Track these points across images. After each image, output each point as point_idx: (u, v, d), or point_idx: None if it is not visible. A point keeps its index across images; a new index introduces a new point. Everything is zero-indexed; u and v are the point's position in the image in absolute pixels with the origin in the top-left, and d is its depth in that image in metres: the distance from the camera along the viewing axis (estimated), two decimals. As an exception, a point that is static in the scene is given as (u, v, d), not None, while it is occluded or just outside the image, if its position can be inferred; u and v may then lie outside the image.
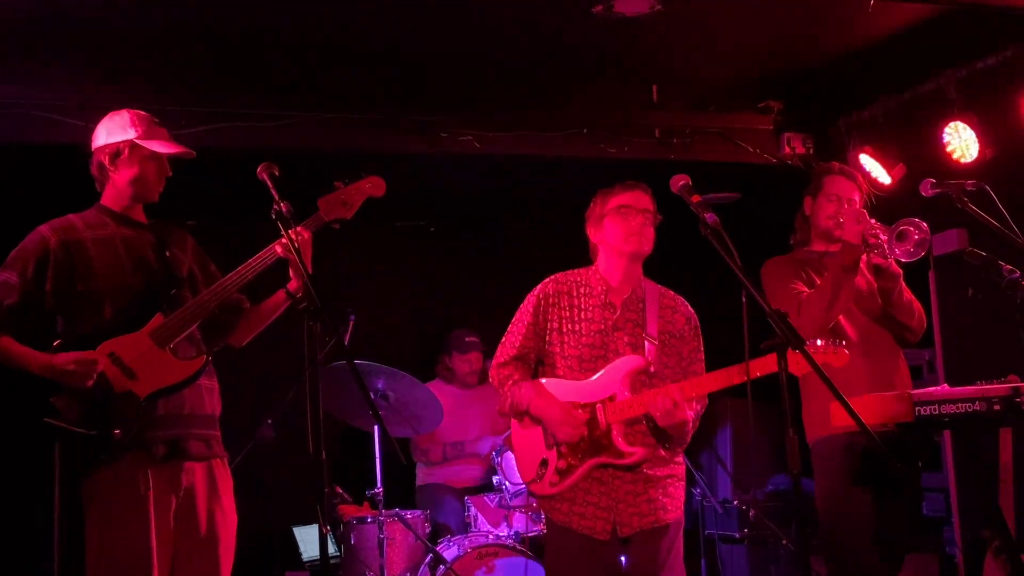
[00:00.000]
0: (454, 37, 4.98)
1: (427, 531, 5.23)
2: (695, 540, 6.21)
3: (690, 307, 3.70)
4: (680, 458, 3.67)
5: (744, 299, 4.14)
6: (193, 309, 3.35)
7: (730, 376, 3.38)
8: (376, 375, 5.29)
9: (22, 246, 3.37)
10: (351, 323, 5.58)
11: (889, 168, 5.56)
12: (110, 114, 3.51)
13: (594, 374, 3.54)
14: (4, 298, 3.27)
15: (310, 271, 3.19)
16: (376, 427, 5.21)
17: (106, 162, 3.44)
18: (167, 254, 3.46)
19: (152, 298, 3.35)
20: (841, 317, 3.83)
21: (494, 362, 3.72)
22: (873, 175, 5.59)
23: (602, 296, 3.61)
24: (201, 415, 3.41)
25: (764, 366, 3.26)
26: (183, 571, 3.30)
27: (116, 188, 3.47)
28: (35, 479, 6.15)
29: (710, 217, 3.01)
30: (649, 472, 3.52)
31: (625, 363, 3.52)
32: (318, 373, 2.91)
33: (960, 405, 3.30)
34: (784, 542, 5.73)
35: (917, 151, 5.45)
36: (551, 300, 3.64)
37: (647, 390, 3.47)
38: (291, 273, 3.47)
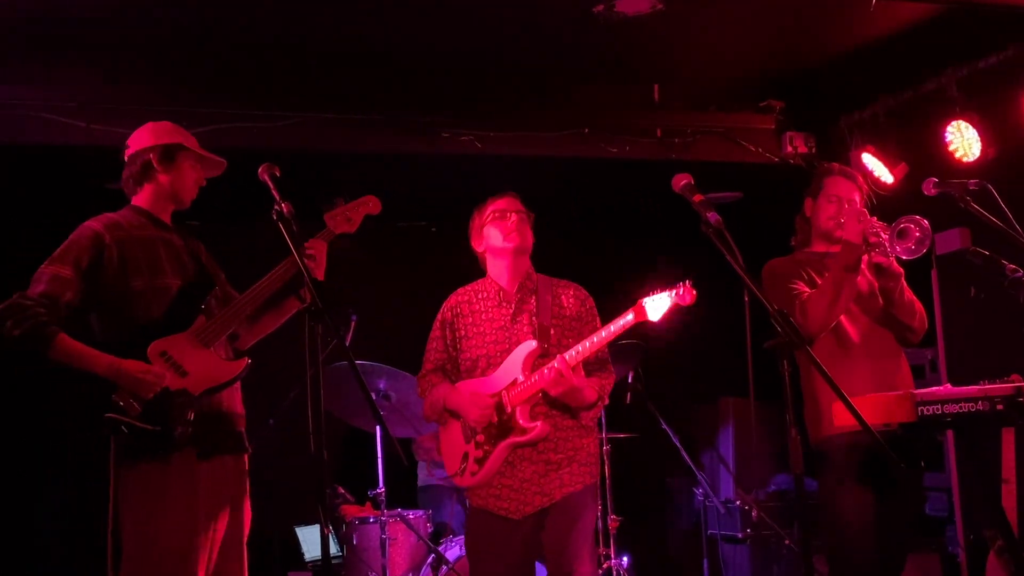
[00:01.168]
0: (455, 37, 4.98)
1: (429, 531, 5.23)
2: (697, 540, 6.21)
3: (584, 291, 4.01)
4: (588, 439, 3.91)
5: (747, 299, 4.17)
6: (232, 313, 3.45)
7: (604, 337, 3.67)
8: (378, 375, 5.29)
9: (74, 240, 3.38)
10: (352, 323, 5.58)
11: (891, 167, 5.56)
12: (151, 123, 3.59)
13: (498, 367, 3.87)
14: (61, 293, 3.27)
15: (322, 279, 3.35)
16: (378, 427, 5.21)
17: (154, 161, 3.49)
18: (198, 259, 3.57)
19: (190, 301, 3.43)
20: (842, 317, 3.82)
21: (418, 375, 4.06)
22: (875, 174, 5.58)
23: (497, 296, 3.95)
24: (233, 413, 3.52)
25: (647, 311, 3.58)
26: (217, 563, 3.40)
27: (159, 189, 3.53)
28: (34, 481, 6.19)
29: (712, 216, 2.99)
30: (552, 455, 3.80)
31: (521, 350, 3.82)
32: (320, 373, 2.91)
33: (963, 405, 3.29)
34: (786, 542, 5.74)
35: (919, 150, 5.45)
36: (455, 312, 3.99)
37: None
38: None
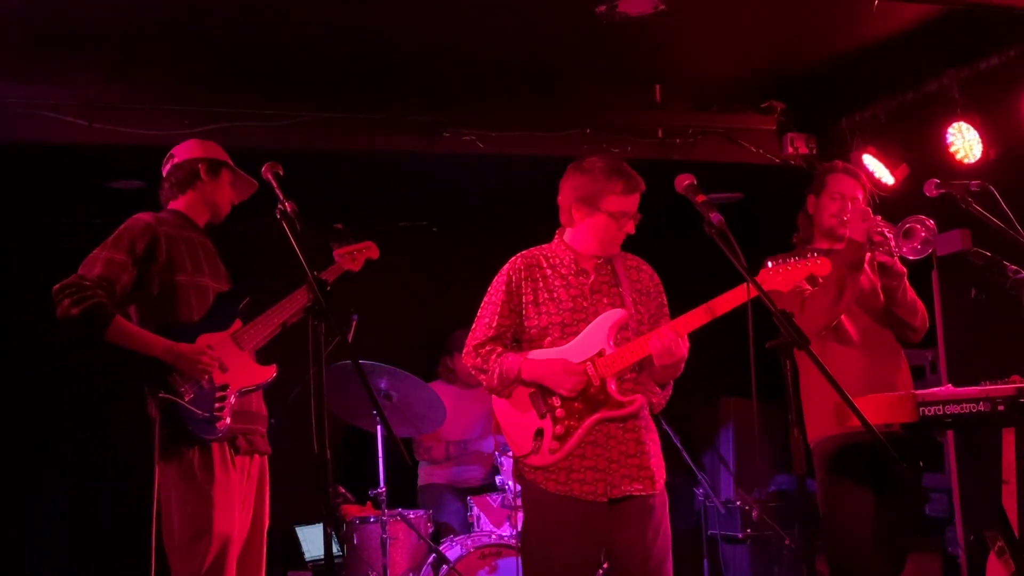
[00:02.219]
0: (457, 37, 4.98)
1: (430, 531, 5.23)
2: (698, 540, 6.21)
3: (650, 266, 3.77)
4: (654, 433, 3.65)
5: (748, 298, 4.13)
6: (265, 320, 3.65)
7: (710, 310, 3.42)
8: (379, 375, 5.28)
9: (126, 228, 3.52)
10: (354, 323, 5.57)
11: (892, 168, 5.55)
12: (197, 139, 3.81)
13: (576, 337, 3.55)
14: (118, 278, 3.42)
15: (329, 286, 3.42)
16: (379, 427, 5.21)
17: (202, 172, 3.71)
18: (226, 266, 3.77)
19: (226, 303, 3.62)
20: (843, 316, 3.83)
21: (468, 346, 3.67)
22: (876, 175, 5.59)
23: (573, 264, 3.64)
24: (260, 413, 3.72)
25: (736, 297, 3.34)
26: (243, 555, 3.55)
27: (201, 197, 3.73)
28: (34, 482, 6.18)
29: (715, 217, 3.00)
30: (644, 434, 3.55)
31: (607, 318, 3.53)
32: (323, 373, 2.93)
33: (964, 405, 3.30)
34: (787, 542, 5.73)
35: (920, 151, 5.45)
36: (523, 275, 3.64)
37: (636, 339, 3.50)
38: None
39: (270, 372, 3.65)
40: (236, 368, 3.54)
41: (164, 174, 3.76)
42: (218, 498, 3.42)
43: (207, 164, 3.73)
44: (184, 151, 3.76)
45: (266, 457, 3.74)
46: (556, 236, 3.74)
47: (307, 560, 5.65)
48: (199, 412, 3.40)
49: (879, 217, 3.70)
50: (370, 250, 4.08)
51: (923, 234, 3.59)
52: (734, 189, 6.30)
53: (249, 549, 3.58)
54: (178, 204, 3.73)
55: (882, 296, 3.92)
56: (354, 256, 4.00)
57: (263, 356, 3.75)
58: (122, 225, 3.54)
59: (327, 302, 3.02)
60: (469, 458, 5.95)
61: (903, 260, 3.78)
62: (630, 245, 3.71)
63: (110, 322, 3.34)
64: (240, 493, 3.54)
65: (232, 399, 3.47)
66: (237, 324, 3.61)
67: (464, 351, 3.70)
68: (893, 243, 3.62)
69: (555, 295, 3.61)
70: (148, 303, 3.52)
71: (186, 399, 3.39)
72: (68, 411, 6.16)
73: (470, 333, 3.68)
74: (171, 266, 3.53)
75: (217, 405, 3.44)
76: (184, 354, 3.42)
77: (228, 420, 3.45)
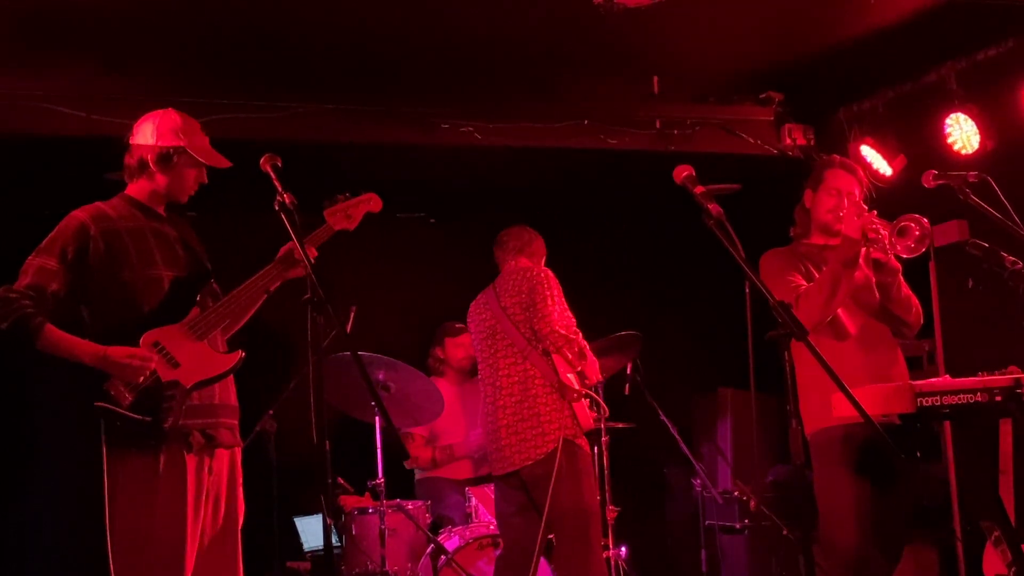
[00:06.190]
0: (455, 28, 4.97)
1: (428, 522, 5.24)
2: (695, 530, 6.23)
3: None
4: None
5: (747, 289, 4.17)
6: (227, 305, 3.42)
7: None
8: (377, 366, 5.29)
9: (59, 231, 3.35)
10: (351, 314, 5.57)
11: (890, 159, 5.56)
12: (158, 112, 3.52)
13: None
14: (47, 284, 3.25)
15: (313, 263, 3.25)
16: (377, 418, 5.21)
17: (151, 161, 3.45)
18: (192, 249, 3.53)
19: (184, 292, 3.40)
20: (840, 310, 3.83)
21: (573, 326, 4.60)
22: (874, 166, 5.59)
23: None
24: (227, 405, 3.49)
25: None
26: (208, 557, 3.36)
27: (153, 186, 3.49)
28: (29, 479, 6.17)
29: (714, 208, 3.01)
30: None
31: None
32: (321, 364, 2.92)
33: (961, 396, 3.30)
34: (784, 533, 5.75)
35: (918, 142, 5.46)
36: None
37: None
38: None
39: (231, 360, 3.38)
40: (189, 361, 3.29)
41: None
42: (162, 505, 3.23)
43: (156, 155, 3.44)
44: (138, 134, 3.49)
45: (238, 449, 3.52)
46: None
47: (306, 551, 5.67)
48: (141, 417, 3.20)
49: (874, 213, 3.70)
50: (370, 203, 3.64)
51: (917, 232, 3.60)
52: (732, 180, 6.30)
53: (221, 546, 3.40)
54: (132, 190, 3.50)
55: (878, 292, 3.93)
56: (348, 214, 3.60)
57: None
58: (57, 226, 3.36)
59: (325, 293, 2.98)
60: (457, 462, 5.91)
61: (897, 257, 3.78)
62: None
63: (39, 332, 3.17)
64: (197, 492, 3.32)
65: (182, 397, 3.26)
66: (194, 313, 3.38)
67: (570, 329, 4.57)
68: (887, 241, 3.62)
69: None
70: (96, 304, 3.34)
71: (124, 405, 3.19)
72: (64, 409, 6.14)
73: (565, 318, 4.60)
74: (113, 263, 3.33)
75: (165, 406, 3.22)
76: (111, 357, 3.19)
77: (176, 421, 3.24)
